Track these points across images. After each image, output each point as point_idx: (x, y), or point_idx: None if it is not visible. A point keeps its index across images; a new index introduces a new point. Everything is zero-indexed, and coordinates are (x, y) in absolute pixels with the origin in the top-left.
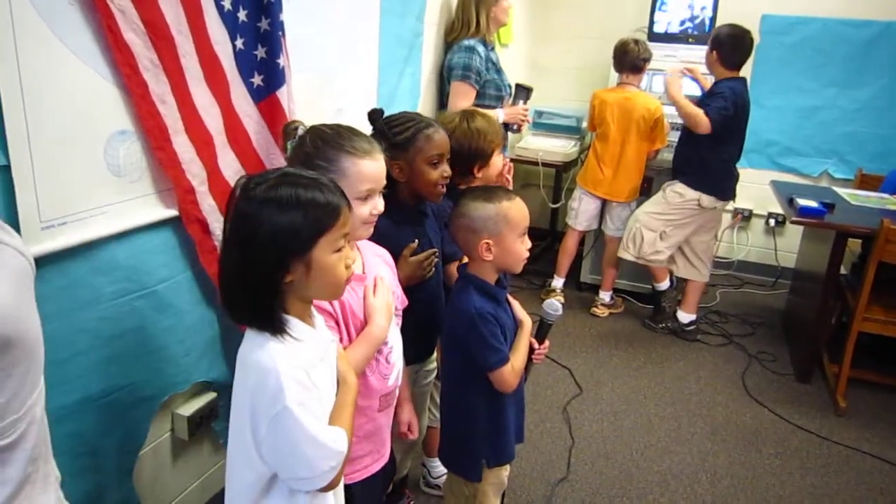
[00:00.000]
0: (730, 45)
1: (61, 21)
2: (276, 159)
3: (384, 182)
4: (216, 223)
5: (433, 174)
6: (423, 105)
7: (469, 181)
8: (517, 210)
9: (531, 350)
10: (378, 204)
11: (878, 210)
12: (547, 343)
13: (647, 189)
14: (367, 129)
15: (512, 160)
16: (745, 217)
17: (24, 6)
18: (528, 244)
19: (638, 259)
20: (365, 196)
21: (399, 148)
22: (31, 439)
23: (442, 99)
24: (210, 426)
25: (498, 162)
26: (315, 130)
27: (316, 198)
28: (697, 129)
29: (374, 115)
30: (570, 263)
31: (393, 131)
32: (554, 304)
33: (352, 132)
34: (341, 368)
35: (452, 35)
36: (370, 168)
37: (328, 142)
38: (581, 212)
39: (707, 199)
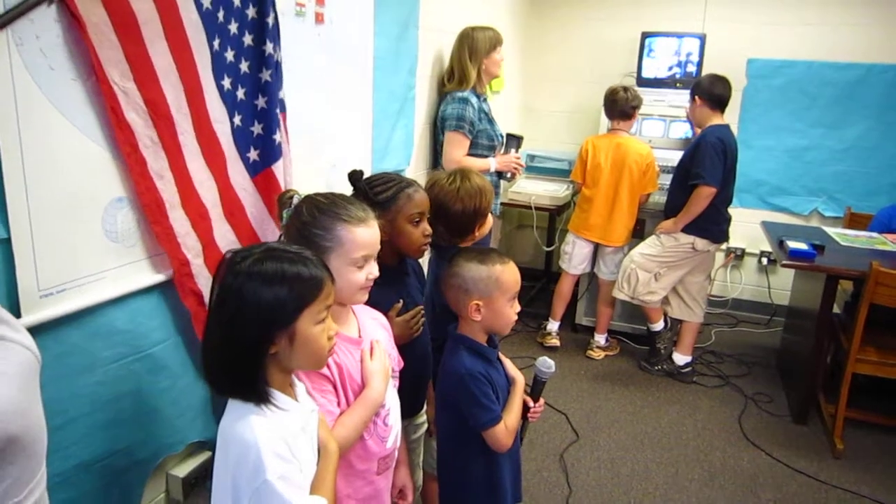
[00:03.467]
0: (707, 82)
1: (61, 94)
2: (269, 231)
3: (378, 247)
4: None
5: (415, 233)
6: (417, 156)
7: (471, 240)
8: (509, 274)
9: (526, 408)
10: (373, 269)
11: (867, 251)
12: (542, 401)
13: (639, 231)
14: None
15: (505, 204)
16: (737, 256)
17: (26, 80)
18: (518, 308)
19: (633, 299)
20: (361, 262)
21: (380, 207)
22: None
23: (436, 148)
24: (205, 486)
25: (490, 218)
26: (310, 200)
27: (300, 272)
28: (708, 201)
29: (355, 176)
30: (566, 307)
31: (374, 191)
32: (547, 362)
33: (346, 200)
34: (322, 436)
35: (446, 87)
36: (365, 235)
37: (324, 211)
38: (574, 255)
39: (701, 243)
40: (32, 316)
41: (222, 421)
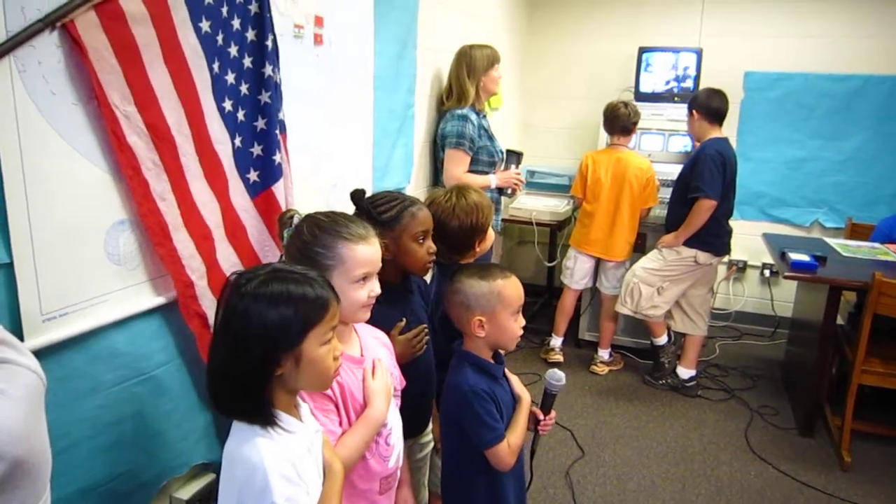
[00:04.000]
0: (704, 96)
1: (63, 119)
2: (270, 252)
3: (380, 265)
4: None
5: (420, 251)
6: (417, 173)
7: (471, 256)
8: (511, 288)
9: (536, 421)
10: (375, 287)
11: (869, 261)
12: (553, 414)
13: (641, 246)
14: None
15: (506, 220)
16: (739, 269)
17: (29, 105)
18: (522, 322)
19: (636, 313)
20: (362, 280)
21: (384, 226)
22: None
23: (436, 166)
24: None
25: (492, 234)
26: (311, 219)
27: (306, 293)
28: (709, 214)
29: (358, 195)
30: (568, 322)
31: (378, 210)
32: (556, 374)
33: (347, 219)
34: (327, 457)
35: (445, 105)
36: (366, 253)
37: (324, 229)
38: (576, 271)
39: (703, 256)
40: (35, 340)
41: (227, 443)
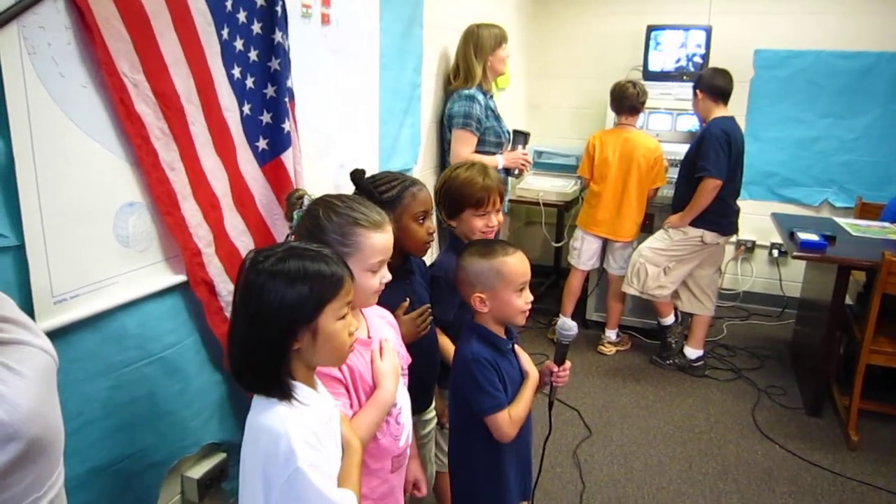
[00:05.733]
0: (708, 75)
1: (72, 101)
2: (278, 221)
3: (391, 252)
4: (222, 284)
5: (420, 231)
6: (424, 154)
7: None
8: (513, 265)
9: (551, 374)
10: (386, 274)
11: (879, 241)
12: (568, 364)
13: (648, 226)
14: None
15: (513, 201)
16: (748, 248)
17: (39, 88)
18: (529, 297)
19: (642, 294)
20: (377, 267)
21: (385, 206)
22: None
23: (443, 147)
24: (220, 487)
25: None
26: (326, 204)
27: (322, 270)
28: (714, 194)
29: (358, 175)
30: (576, 302)
31: (379, 190)
32: (567, 324)
33: (363, 204)
34: (344, 433)
35: (452, 85)
36: (381, 241)
37: (341, 215)
38: (583, 251)
39: (710, 236)
40: (46, 321)
41: (249, 416)
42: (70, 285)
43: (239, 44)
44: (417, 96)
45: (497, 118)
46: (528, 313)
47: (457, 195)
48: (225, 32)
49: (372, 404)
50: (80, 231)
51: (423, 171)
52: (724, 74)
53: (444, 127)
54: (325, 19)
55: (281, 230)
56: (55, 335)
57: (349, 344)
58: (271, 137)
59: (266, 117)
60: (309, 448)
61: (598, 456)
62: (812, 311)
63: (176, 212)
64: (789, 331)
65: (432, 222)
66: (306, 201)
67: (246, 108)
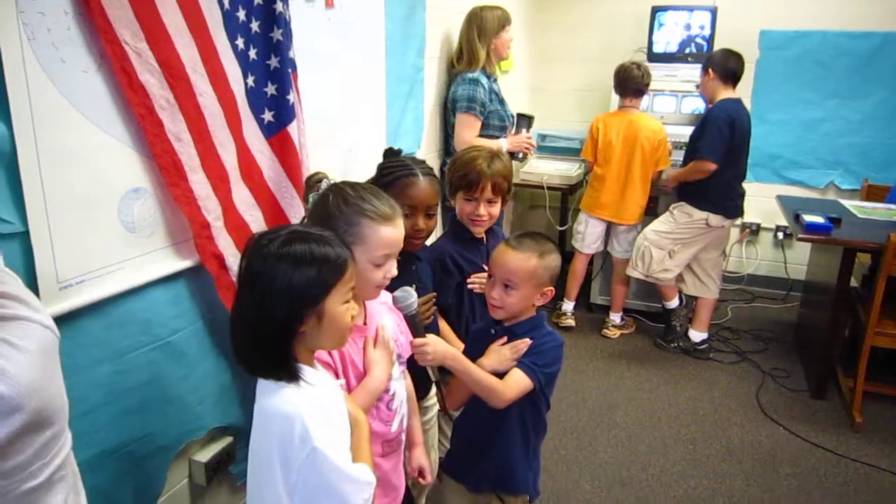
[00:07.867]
0: (721, 55)
1: (74, 87)
2: (287, 193)
3: (401, 246)
4: (232, 258)
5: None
6: (428, 137)
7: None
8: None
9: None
10: (392, 269)
11: (885, 223)
12: (426, 338)
13: (652, 209)
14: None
15: (517, 185)
16: (753, 231)
17: (39, 74)
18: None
19: (647, 277)
20: (381, 261)
21: None
22: (60, 482)
23: (447, 130)
24: (227, 470)
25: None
26: (339, 191)
27: (327, 253)
28: (706, 175)
29: (385, 155)
30: (580, 286)
31: (381, 173)
32: (400, 295)
33: (375, 195)
34: (350, 409)
35: (455, 68)
36: (390, 234)
37: (351, 205)
38: (587, 234)
39: (715, 219)
40: (52, 307)
41: (257, 401)
42: (75, 271)
43: (241, 14)
44: (421, 80)
45: (501, 101)
46: None
47: (453, 174)
48: (226, 2)
49: (361, 389)
50: (84, 217)
51: (427, 155)
52: (737, 57)
53: (448, 110)
54: (329, 2)
55: (290, 204)
56: (61, 321)
57: (349, 327)
58: (276, 109)
59: (271, 89)
60: (322, 427)
61: (602, 438)
62: (817, 294)
63: (183, 183)
64: (794, 313)
65: (423, 219)
66: (324, 185)
67: (250, 80)
